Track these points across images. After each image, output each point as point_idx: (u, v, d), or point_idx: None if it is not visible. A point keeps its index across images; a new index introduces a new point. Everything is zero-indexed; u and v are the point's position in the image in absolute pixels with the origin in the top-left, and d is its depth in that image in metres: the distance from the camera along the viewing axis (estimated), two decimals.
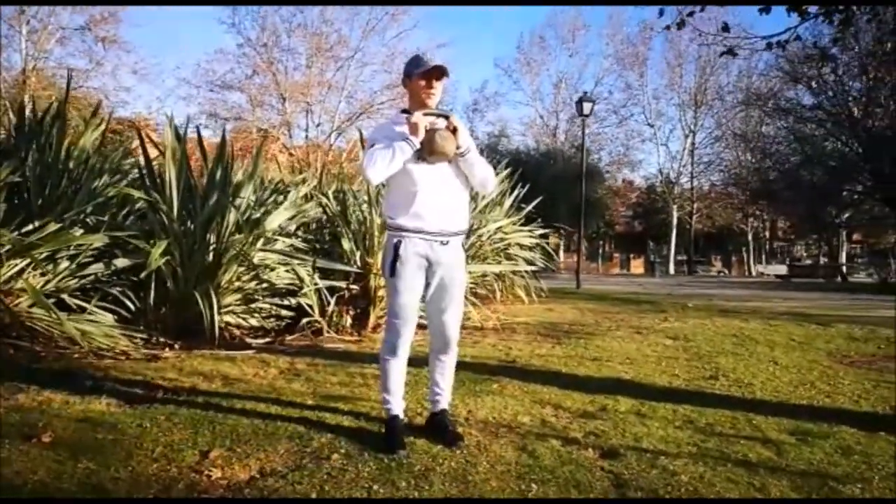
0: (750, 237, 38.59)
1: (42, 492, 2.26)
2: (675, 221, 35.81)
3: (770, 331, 6.85)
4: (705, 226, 38.91)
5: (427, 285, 2.81)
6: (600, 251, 44.14)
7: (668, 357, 5.11)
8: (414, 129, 2.67)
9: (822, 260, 35.63)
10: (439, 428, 2.90)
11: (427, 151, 2.68)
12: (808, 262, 38.15)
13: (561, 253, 33.32)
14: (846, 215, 28.07)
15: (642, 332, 6.52)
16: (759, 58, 28.81)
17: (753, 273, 36.90)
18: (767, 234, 43.75)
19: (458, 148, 2.72)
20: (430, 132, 2.68)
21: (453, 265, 2.82)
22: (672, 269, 35.60)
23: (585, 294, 12.38)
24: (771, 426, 3.29)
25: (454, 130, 2.72)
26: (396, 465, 2.57)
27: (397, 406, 2.90)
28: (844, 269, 28.64)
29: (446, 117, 2.77)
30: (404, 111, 2.83)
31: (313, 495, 2.31)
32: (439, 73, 2.74)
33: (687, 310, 9.04)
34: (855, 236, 39.02)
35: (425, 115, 2.73)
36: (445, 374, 2.98)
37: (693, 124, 35.28)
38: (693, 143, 35.39)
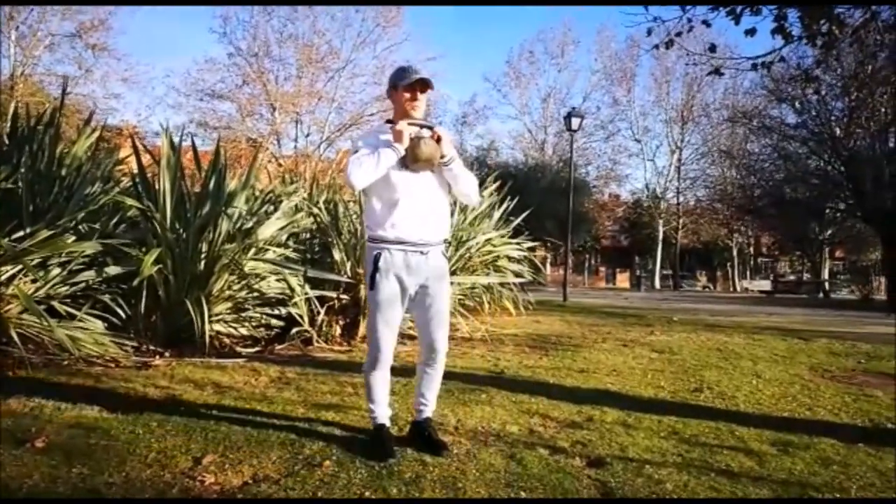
0: (735, 252, 38.95)
1: (37, 496, 2.28)
2: (660, 236, 36.13)
3: (753, 345, 6.96)
4: (691, 241, 39.24)
5: (410, 297, 2.82)
6: (586, 265, 44.30)
7: (653, 369, 5.19)
8: (399, 136, 2.69)
9: (806, 276, 36.02)
10: (423, 436, 2.93)
11: (411, 159, 2.69)
12: (792, 277, 38.51)
13: (548, 266, 33.53)
14: (829, 232, 28.52)
15: (629, 344, 6.61)
16: (744, 76, 29.32)
17: (738, 288, 37.23)
18: (752, 249, 44.17)
19: (442, 157, 2.73)
20: (415, 140, 2.69)
21: (436, 276, 2.83)
22: (657, 284, 35.86)
23: (572, 307, 12.48)
24: (753, 437, 3.36)
25: (438, 140, 2.73)
26: (387, 473, 2.61)
27: (383, 415, 2.94)
28: (827, 285, 29.02)
29: (430, 128, 2.79)
30: (389, 121, 2.85)
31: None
32: (423, 85, 2.77)
33: (672, 324, 9.15)
34: (837, 253, 39.48)
35: (410, 124, 2.75)
36: (432, 385, 3.00)
37: (679, 140, 35.69)
38: (679, 159, 35.78)
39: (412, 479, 2.56)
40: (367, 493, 2.42)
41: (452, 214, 7.99)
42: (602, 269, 45.68)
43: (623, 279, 42.84)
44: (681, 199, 36.45)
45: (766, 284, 32.57)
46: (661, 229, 35.98)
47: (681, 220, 36.08)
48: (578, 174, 31.05)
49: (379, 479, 2.54)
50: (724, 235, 37.87)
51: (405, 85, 2.75)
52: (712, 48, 5.01)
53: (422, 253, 2.76)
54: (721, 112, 32.66)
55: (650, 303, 15.65)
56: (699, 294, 28.27)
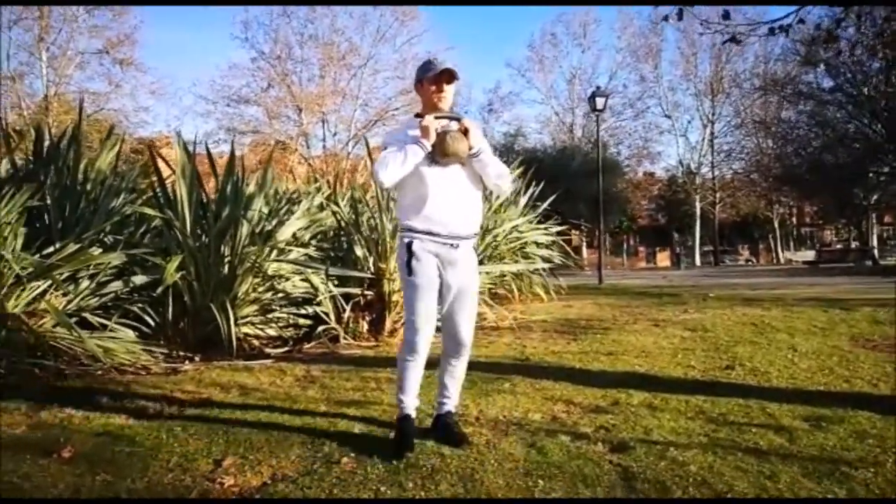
0: (776, 224, 38.01)
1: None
2: (698, 212, 35.41)
3: (792, 317, 6.76)
4: (730, 215, 38.44)
5: (440, 288, 2.83)
6: (625, 246, 43.78)
7: (684, 349, 5.08)
8: (425, 131, 2.70)
9: (854, 244, 34.94)
10: (445, 429, 2.91)
11: (439, 153, 2.70)
12: (839, 246, 37.42)
13: (584, 250, 33.19)
14: (874, 197, 27.52)
15: (660, 324, 6.48)
16: (775, 42, 28.39)
17: (781, 260, 36.34)
18: (794, 220, 43.09)
19: (470, 149, 2.73)
20: (442, 134, 2.70)
21: (465, 269, 2.84)
22: (698, 261, 35.19)
23: (607, 289, 12.31)
24: (785, 413, 3.27)
25: (466, 132, 2.73)
26: (405, 467, 2.60)
27: (410, 406, 2.91)
28: (876, 252, 28.08)
29: (458, 119, 2.79)
30: (417, 115, 2.86)
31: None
32: (449, 76, 2.78)
33: (708, 300, 8.96)
34: (886, 218, 38.23)
35: (437, 118, 2.76)
36: (455, 377, 3.00)
37: (711, 113, 34.89)
38: (712, 133, 34.99)
39: (429, 473, 2.54)
40: (383, 489, 2.42)
41: None
42: (641, 249, 45.12)
43: (664, 258, 42.26)
44: (716, 172, 35.68)
45: (810, 255, 31.71)
46: (697, 205, 35.27)
47: (717, 195, 35.32)
48: (609, 154, 30.67)
49: (396, 474, 2.53)
50: (764, 207, 36.99)
51: (430, 77, 2.77)
52: (726, 15, 4.84)
53: (452, 246, 2.77)
54: (752, 81, 31.85)
55: (688, 280, 15.35)
56: (741, 268, 27.67)
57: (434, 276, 2.77)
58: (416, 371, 2.87)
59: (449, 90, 2.80)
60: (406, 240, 2.77)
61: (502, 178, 2.88)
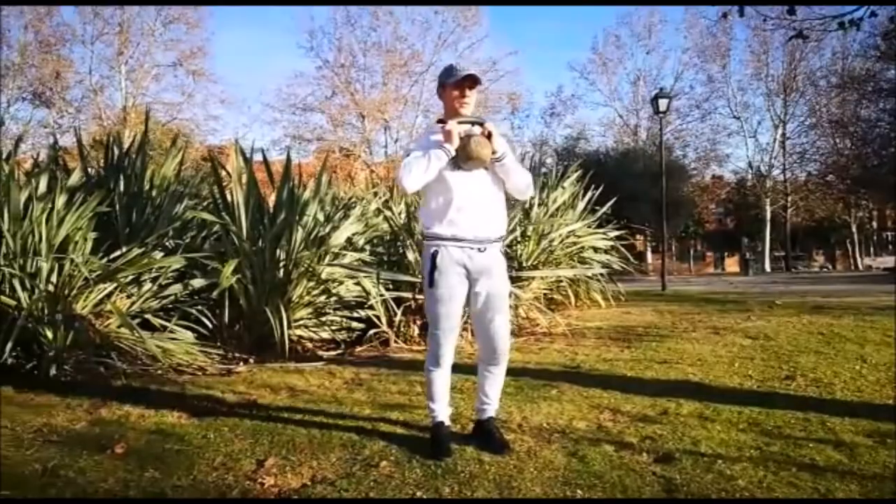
0: (854, 228, 36.16)
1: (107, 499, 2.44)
2: (768, 216, 34.01)
3: (864, 327, 6.41)
4: (803, 219, 36.81)
5: (469, 295, 2.81)
6: (691, 251, 42.56)
7: (742, 357, 4.88)
8: (448, 136, 2.70)
9: None
10: (487, 435, 2.89)
11: (462, 158, 2.70)
12: None
13: (649, 255, 32.41)
14: None
15: (720, 332, 6.25)
16: (853, 38, 27.04)
17: (860, 267, 34.58)
18: (875, 224, 40.93)
19: (493, 153, 2.72)
20: (465, 139, 2.69)
21: (493, 273, 2.80)
22: (768, 266, 33.82)
23: (670, 296, 11.97)
24: (846, 428, 3.09)
25: (489, 136, 2.72)
26: (442, 472, 2.59)
27: (442, 413, 2.93)
28: None
29: (481, 124, 2.79)
30: (440, 121, 2.85)
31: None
32: (472, 81, 2.78)
33: (774, 307, 8.59)
34: None
35: (460, 122, 2.76)
36: (494, 384, 2.96)
37: (783, 113, 33.46)
38: (784, 133, 33.54)
39: (467, 479, 2.53)
40: (419, 493, 2.42)
41: (532, 209, 7.87)
42: (709, 254, 43.84)
43: (732, 263, 40.93)
44: (788, 175, 34.18)
45: (891, 261, 30.06)
46: (768, 209, 33.89)
47: (789, 198, 33.85)
48: (675, 157, 29.89)
49: (433, 479, 2.53)
50: (841, 210, 35.27)
51: (453, 83, 2.76)
52: (791, 10, 4.62)
53: (479, 250, 2.75)
54: (829, 78, 30.42)
55: (756, 287, 14.78)
56: (814, 275, 26.45)
57: (457, 287, 2.76)
58: (442, 379, 2.90)
59: (471, 95, 2.79)
60: (431, 249, 2.76)
61: (525, 184, 2.89)
